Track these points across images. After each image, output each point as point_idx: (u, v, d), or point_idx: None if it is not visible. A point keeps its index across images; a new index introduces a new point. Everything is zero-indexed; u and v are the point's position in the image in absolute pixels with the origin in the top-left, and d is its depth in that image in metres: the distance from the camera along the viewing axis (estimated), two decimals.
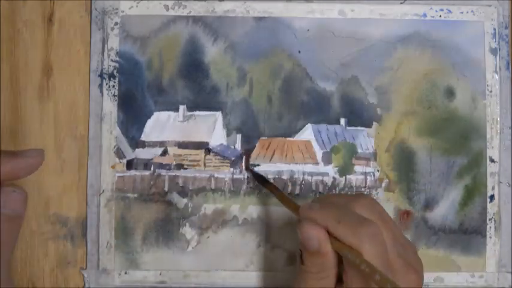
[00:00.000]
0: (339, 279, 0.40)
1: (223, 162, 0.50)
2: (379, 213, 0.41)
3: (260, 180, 0.49)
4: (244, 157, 0.50)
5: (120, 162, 0.50)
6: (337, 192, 0.50)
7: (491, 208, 0.50)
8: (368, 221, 0.39)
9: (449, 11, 0.51)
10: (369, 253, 0.37)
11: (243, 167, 0.50)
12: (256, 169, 0.50)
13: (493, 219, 0.50)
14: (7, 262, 0.38)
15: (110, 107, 0.50)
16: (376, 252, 0.37)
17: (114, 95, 0.50)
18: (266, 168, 0.50)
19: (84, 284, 0.49)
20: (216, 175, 0.50)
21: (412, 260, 0.40)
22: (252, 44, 0.50)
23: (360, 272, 0.37)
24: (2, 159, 0.37)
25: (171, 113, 0.50)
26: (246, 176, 0.50)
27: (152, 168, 0.50)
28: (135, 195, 0.50)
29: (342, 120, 0.51)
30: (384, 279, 0.35)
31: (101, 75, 0.50)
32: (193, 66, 0.50)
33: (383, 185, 0.50)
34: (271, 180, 0.50)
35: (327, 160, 0.50)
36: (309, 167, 0.50)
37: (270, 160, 0.50)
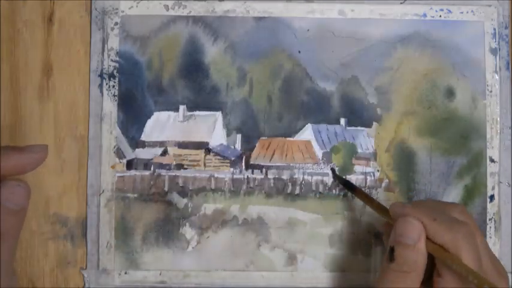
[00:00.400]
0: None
1: (223, 162, 0.50)
2: (472, 219, 0.41)
3: (346, 186, 0.49)
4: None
5: (120, 162, 0.50)
6: (337, 192, 0.50)
7: (491, 208, 0.50)
8: (463, 222, 0.39)
9: (449, 11, 0.51)
10: (466, 254, 0.37)
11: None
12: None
13: (493, 219, 0.50)
14: (12, 255, 0.38)
15: (110, 107, 0.50)
16: (472, 254, 0.37)
17: (114, 95, 0.50)
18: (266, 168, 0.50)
19: (84, 284, 0.49)
20: (216, 175, 0.50)
21: (502, 269, 0.40)
22: (252, 44, 0.51)
23: (454, 274, 0.37)
24: (7, 154, 0.37)
25: (171, 113, 0.50)
26: (246, 176, 0.50)
27: (152, 168, 0.50)
28: (135, 195, 0.50)
29: (342, 120, 0.51)
30: (482, 280, 0.35)
31: (101, 75, 0.50)
32: (193, 66, 0.50)
33: (383, 185, 0.50)
34: (272, 181, 0.50)
35: (327, 160, 0.50)
36: (309, 167, 0.50)
37: (270, 160, 0.50)
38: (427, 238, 0.39)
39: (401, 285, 0.39)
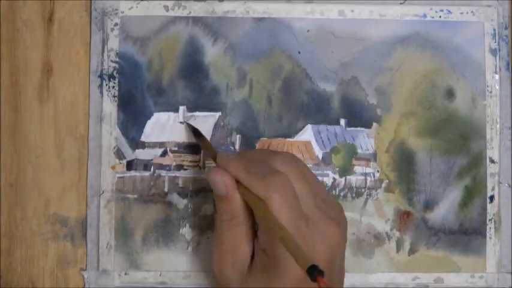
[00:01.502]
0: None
1: None
2: (296, 167, 0.40)
3: (195, 133, 0.49)
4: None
5: (120, 163, 0.50)
6: (337, 193, 0.50)
7: (491, 209, 0.50)
8: (278, 172, 0.38)
9: (449, 12, 0.51)
10: (276, 203, 0.37)
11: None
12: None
13: (493, 220, 0.50)
14: None
15: (109, 107, 0.50)
16: (284, 202, 0.37)
17: (114, 96, 0.50)
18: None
19: (84, 285, 0.49)
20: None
21: (334, 215, 0.40)
22: (251, 45, 0.50)
23: (266, 227, 0.38)
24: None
25: (171, 114, 0.50)
26: None
27: (152, 169, 0.50)
28: (135, 196, 0.50)
29: (342, 121, 0.51)
30: (284, 233, 0.35)
31: (100, 76, 0.50)
32: (193, 67, 0.50)
33: (383, 185, 0.50)
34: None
35: (326, 161, 0.50)
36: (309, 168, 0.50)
37: None
38: (247, 190, 0.39)
39: (228, 232, 0.40)
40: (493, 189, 0.50)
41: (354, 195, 0.50)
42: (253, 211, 0.39)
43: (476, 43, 0.51)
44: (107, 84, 0.50)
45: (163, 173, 0.50)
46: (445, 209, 0.50)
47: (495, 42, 0.51)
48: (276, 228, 0.35)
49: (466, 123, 0.50)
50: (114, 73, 0.50)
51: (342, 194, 0.50)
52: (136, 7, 0.50)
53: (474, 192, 0.50)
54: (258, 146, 0.50)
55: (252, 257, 0.41)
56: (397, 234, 0.50)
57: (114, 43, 0.50)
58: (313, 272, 0.31)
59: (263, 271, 0.39)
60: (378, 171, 0.50)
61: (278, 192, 0.37)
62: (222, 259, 0.41)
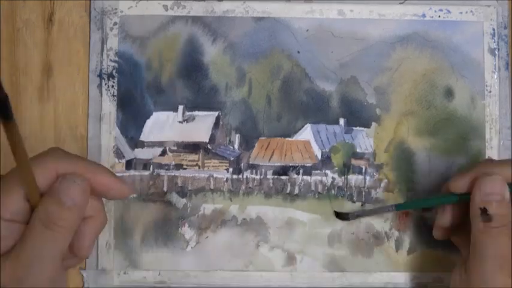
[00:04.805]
0: None
1: (222, 162, 0.50)
2: None
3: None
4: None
5: (120, 162, 0.50)
6: (335, 192, 0.50)
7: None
8: None
9: (449, 11, 0.51)
10: None
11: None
12: None
13: None
14: (61, 250, 0.37)
15: (109, 107, 0.50)
16: None
17: (113, 95, 0.50)
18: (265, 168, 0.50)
19: (83, 284, 0.49)
20: (215, 175, 0.50)
21: None
22: (251, 44, 0.51)
23: None
24: (107, 172, 0.39)
25: (170, 113, 0.50)
26: (245, 176, 0.50)
27: (151, 169, 0.50)
28: (134, 195, 0.50)
29: (341, 121, 0.51)
30: None
31: (100, 76, 0.50)
32: (192, 67, 0.50)
33: (382, 185, 0.50)
34: (271, 181, 0.50)
35: (326, 160, 0.50)
36: (308, 167, 0.50)
37: (269, 160, 0.50)
38: None
39: (503, 239, 0.40)
40: None
41: (353, 194, 0.50)
42: None
43: (475, 43, 0.51)
44: (106, 84, 0.50)
45: (162, 172, 0.50)
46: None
47: (494, 41, 0.51)
48: None
49: (465, 122, 0.50)
50: (114, 72, 0.50)
51: (340, 193, 0.50)
52: (136, 6, 0.50)
53: None
54: (257, 145, 0.50)
55: None
56: (396, 233, 0.50)
57: (113, 42, 0.50)
58: None
59: None
60: (377, 170, 0.50)
61: None
62: None
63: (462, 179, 0.42)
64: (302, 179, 0.50)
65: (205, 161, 0.50)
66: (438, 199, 0.45)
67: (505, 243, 0.40)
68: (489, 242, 0.40)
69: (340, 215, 0.49)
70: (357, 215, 0.49)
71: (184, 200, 0.50)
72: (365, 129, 0.51)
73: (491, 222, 0.40)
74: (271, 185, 0.50)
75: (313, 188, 0.50)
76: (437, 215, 0.45)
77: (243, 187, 0.50)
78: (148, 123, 0.50)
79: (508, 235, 0.40)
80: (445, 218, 0.44)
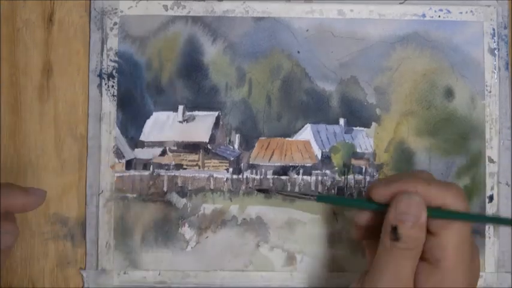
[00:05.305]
0: None
1: (222, 162, 0.50)
2: None
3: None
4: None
5: (120, 162, 0.50)
6: (335, 192, 0.50)
7: (490, 208, 0.50)
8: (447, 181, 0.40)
9: (449, 11, 0.51)
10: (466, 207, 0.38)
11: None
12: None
13: None
14: None
15: (109, 107, 0.50)
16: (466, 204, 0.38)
17: (113, 95, 0.50)
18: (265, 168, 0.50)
19: (83, 284, 0.49)
20: (215, 175, 0.50)
21: None
22: (251, 44, 0.51)
23: (458, 226, 0.37)
24: (14, 192, 0.40)
25: (170, 113, 0.50)
26: (245, 176, 0.50)
27: (151, 168, 0.50)
28: (134, 195, 0.50)
29: (341, 121, 0.51)
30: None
31: (100, 75, 0.50)
32: (192, 66, 0.50)
33: None
34: (271, 181, 0.50)
35: (326, 160, 0.50)
36: (308, 167, 0.50)
37: (269, 160, 0.50)
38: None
39: (405, 262, 0.38)
40: (492, 188, 0.50)
41: (353, 194, 0.50)
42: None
43: (475, 43, 0.51)
44: (106, 84, 0.50)
45: (162, 172, 0.50)
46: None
47: (494, 41, 0.51)
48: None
49: (465, 122, 0.50)
50: (114, 72, 0.50)
51: (340, 193, 0.50)
52: (136, 6, 0.50)
53: (473, 192, 0.50)
54: (257, 145, 0.50)
55: None
56: None
57: (113, 42, 0.50)
58: None
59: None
60: (377, 170, 0.50)
61: (463, 194, 0.38)
62: None
63: (384, 189, 0.39)
64: (302, 179, 0.50)
65: (205, 161, 0.50)
66: (358, 202, 0.44)
67: (404, 268, 0.38)
68: (390, 261, 0.38)
69: (261, 190, 0.49)
70: (278, 192, 0.48)
71: (184, 200, 0.50)
72: (365, 129, 0.51)
73: (398, 242, 0.37)
74: (271, 185, 0.50)
75: (313, 188, 0.50)
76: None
77: (243, 187, 0.50)
78: (148, 123, 0.50)
79: (411, 260, 0.38)
80: (361, 217, 0.41)
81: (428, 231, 0.37)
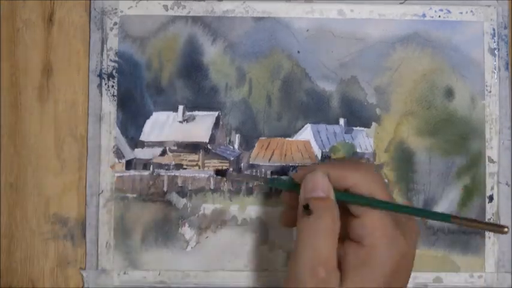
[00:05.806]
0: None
1: (222, 162, 0.50)
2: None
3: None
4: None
5: (120, 162, 0.50)
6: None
7: (490, 208, 0.50)
8: (365, 162, 0.43)
9: (449, 11, 0.51)
10: (381, 190, 0.40)
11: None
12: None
13: (492, 219, 0.50)
14: None
15: (109, 107, 0.50)
16: (385, 188, 0.41)
17: (113, 95, 0.50)
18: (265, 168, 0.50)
19: (83, 284, 0.49)
20: (215, 175, 0.50)
21: None
22: (251, 44, 0.51)
23: (374, 212, 0.39)
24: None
25: (170, 113, 0.50)
26: None
27: (151, 168, 0.50)
28: (134, 195, 0.50)
29: (341, 121, 0.51)
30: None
31: (100, 75, 0.50)
32: (192, 67, 0.50)
33: None
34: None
35: (326, 160, 0.50)
36: None
37: (269, 160, 0.50)
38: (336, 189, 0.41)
39: (323, 238, 0.39)
40: (492, 188, 0.50)
41: None
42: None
43: (475, 43, 0.51)
44: (106, 84, 0.50)
45: (162, 172, 0.50)
46: (444, 209, 0.50)
47: (494, 41, 0.51)
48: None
49: (465, 122, 0.50)
50: (114, 72, 0.50)
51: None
52: (136, 6, 0.50)
53: (473, 192, 0.50)
54: (257, 145, 0.50)
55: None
56: None
57: (113, 42, 0.50)
58: None
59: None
60: (377, 170, 0.50)
61: (378, 178, 0.42)
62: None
63: (302, 171, 0.42)
64: None
65: (205, 161, 0.50)
66: (285, 184, 0.45)
67: (322, 244, 0.39)
68: (307, 238, 0.39)
69: (219, 172, 0.48)
70: (235, 175, 0.49)
71: (184, 200, 0.50)
72: (365, 129, 0.51)
73: (311, 216, 0.39)
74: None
75: None
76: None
77: (243, 187, 0.50)
78: (148, 123, 0.50)
79: (329, 237, 0.39)
80: (285, 195, 0.45)
81: (352, 214, 0.40)
